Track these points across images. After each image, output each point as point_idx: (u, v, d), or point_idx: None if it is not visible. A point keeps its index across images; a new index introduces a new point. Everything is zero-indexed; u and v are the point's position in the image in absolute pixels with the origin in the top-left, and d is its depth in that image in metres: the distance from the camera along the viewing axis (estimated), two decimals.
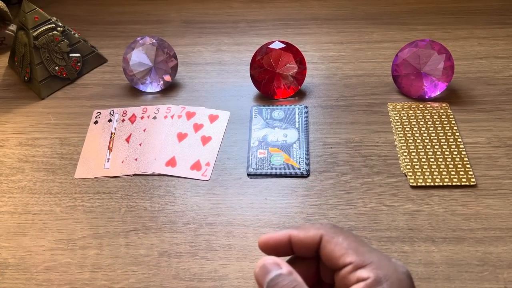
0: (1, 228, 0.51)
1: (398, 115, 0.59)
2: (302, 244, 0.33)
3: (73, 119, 0.63)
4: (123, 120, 0.62)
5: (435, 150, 0.54)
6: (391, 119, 0.59)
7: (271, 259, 0.33)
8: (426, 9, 0.77)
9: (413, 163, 0.53)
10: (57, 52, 0.66)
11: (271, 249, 0.34)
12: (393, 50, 0.67)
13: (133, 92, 0.66)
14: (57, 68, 0.67)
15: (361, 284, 0.29)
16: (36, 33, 0.65)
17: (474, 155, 0.54)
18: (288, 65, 0.60)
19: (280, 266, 0.32)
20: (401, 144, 0.55)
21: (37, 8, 0.65)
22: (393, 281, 0.29)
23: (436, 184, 0.51)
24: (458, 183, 0.51)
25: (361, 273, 0.30)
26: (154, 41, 0.63)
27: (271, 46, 0.60)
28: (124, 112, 0.63)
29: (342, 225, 0.48)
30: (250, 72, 0.62)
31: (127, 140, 0.59)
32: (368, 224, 0.48)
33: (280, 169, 0.54)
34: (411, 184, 0.51)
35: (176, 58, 0.65)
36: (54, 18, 0.67)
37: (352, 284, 0.30)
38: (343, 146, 0.56)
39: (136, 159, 0.57)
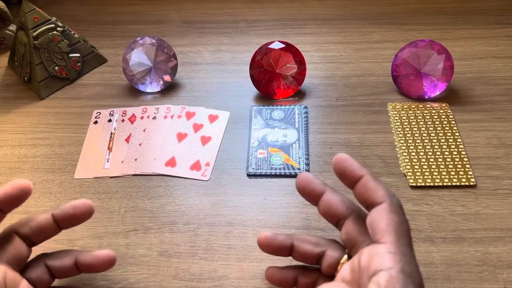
0: (1, 228, 0.51)
1: (397, 115, 0.59)
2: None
3: (73, 119, 0.63)
4: (122, 120, 0.62)
5: (435, 150, 0.54)
6: (390, 119, 0.59)
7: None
8: (426, 9, 0.77)
9: (413, 163, 0.53)
10: (57, 52, 0.67)
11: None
12: (393, 50, 0.67)
13: (133, 92, 0.66)
14: (57, 68, 0.67)
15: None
16: (36, 33, 0.65)
17: (474, 155, 0.54)
18: (288, 65, 0.60)
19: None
20: (400, 144, 0.55)
21: (37, 8, 0.65)
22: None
23: (436, 184, 0.51)
24: (458, 183, 0.51)
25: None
26: (154, 41, 0.63)
27: (271, 46, 0.60)
28: (124, 112, 0.63)
29: None
30: (250, 72, 0.62)
31: (127, 140, 0.59)
32: None
33: (280, 169, 0.54)
34: (410, 184, 0.51)
35: (176, 58, 0.65)
36: (54, 18, 0.67)
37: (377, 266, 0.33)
38: (343, 146, 0.56)
39: (136, 159, 0.57)
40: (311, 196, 0.40)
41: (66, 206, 0.41)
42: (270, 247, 0.40)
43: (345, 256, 0.39)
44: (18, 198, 0.39)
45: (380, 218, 0.35)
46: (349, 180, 0.38)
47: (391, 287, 0.31)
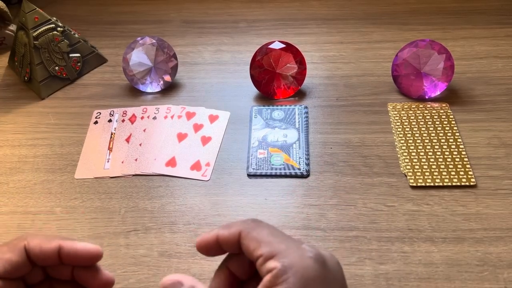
0: (1, 228, 0.51)
1: (398, 115, 0.59)
2: (228, 242, 0.33)
3: (73, 119, 0.63)
4: (123, 120, 0.62)
5: (435, 150, 0.54)
6: (391, 119, 0.59)
7: (172, 279, 0.33)
8: (426, 9, 0.77)
9: (413, 163, 0.53)
10: (57, 52, 0.66)
11: (205, 250, 0.34)
12: (393, 50, 0.67)
13: (133, 92, 0.66)
14: (57, 68, 0.67)
15: (268, 275, 0.30)
16: (36, 33, 0.65)
17: (474, 155, 0.54)
18: (288, 65, 0.60)
19: (182, 283, 0.33)
20: (401, 144, 0.55)
21: (37, 8, 0.65)
22: (298, 269, 0.29)
23: (436, 184, 0.51)
24: (458, 183, 0.51)
25: (270, 264, 0.30)
26: (154, 41, 0.63)
27: (271, 46, 0.60)
28: (124, 112, 0.63)
29: (342, 226, 0.48)
30: (250, 72, 0.62)
31: (127, 140, 0.59)
32: (368, 224, 0.48)
33: (280, 169, 0.54)
34: (411, 184, 0.51)
35: (176, 58, 0.65)
36: (54, 18, 0.67)
37: (264, 276, 0.30)
38: (343, 146, 0.56)
39: (136, 160, 0.57)
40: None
41: (78, 246, 0.36)
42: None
43: None
44: (85, 260, 0.35)
45: (248, 243, 0.32)
46: (213, 248, 0.34)
47: None
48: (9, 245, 0.35)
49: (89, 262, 0.36)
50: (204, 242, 0.34)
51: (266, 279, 0.30)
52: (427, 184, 0.51)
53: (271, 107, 0.61)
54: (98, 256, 0.36)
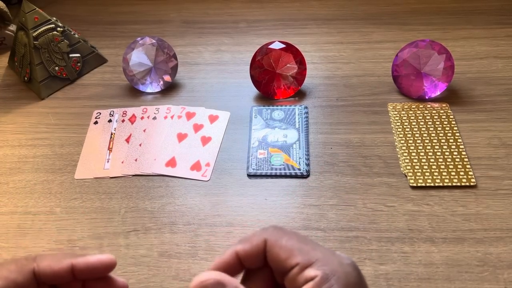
0: (1, 228, 0.51)
1: (398, 115, 0.59)
2: (250, 257, 0.31)
3: (73, 120, 0.63)
4: (123, 121, 0.62)
5: (435, 150, 0.54)
6: (391, 120, 0.59)
7: (213, 279, 0.30)
8: (426, 9, 0.77)
9: (413, 164, 0.53)
10: (57, 52, 0.66)
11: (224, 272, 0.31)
12: (393, 50, 0.67)
13: (133, 92, 0.66)
14: (57, 68, 0.67)
15: (310, 284, 0.29)
16: (36, 33, 0.65)
17: (474, 155, 0.54)
18: (288, 65, 0.60)
19: (224, 285, 0.30)
20: (401, 145, 0.55)
21: (37, 8, 0.65)
22: (340, 275, 0.29)
23: (436, 184, 0.51)
24: (458, 184, 0.51)
25: (309, 272, 0.29)
26: (154, 41, 0.63)
27: (271, 46, 0.60)
28: (124, 112, 0.63)
29: (342, 226, 0.48)
30: (250, 72, 0.62)
31: (127, 140, 0.59)
32: (368, 224, 0.48)
33: (280, 169, 0.54)
34: (411, 184, 0.51)
35: (176, 58, 0.65)
36: (54, 18, 0.67)
37: (301, 285, 0.29)
38: (343, 147, 0.56)
39: (136, 160, 0.57)
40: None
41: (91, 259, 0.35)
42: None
43: None
44: (99, 272, 0.35)
45: (275, 253, 0.31)
46: (233, 268, 0.32)
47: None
48: (17, 264, 0.35)
49: (104, 273, 0.36)
50: (222, 264, 0.32)
51: (308, 287, 0.29)
52: (427, 184, 0.51)
53: (271, 107, 0.61)
54: (112, 265, 0.36)
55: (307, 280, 0.29)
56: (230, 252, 0.31)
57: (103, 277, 0.36)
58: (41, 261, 0.35)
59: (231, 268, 0.31)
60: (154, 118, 0.61)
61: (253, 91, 0.64)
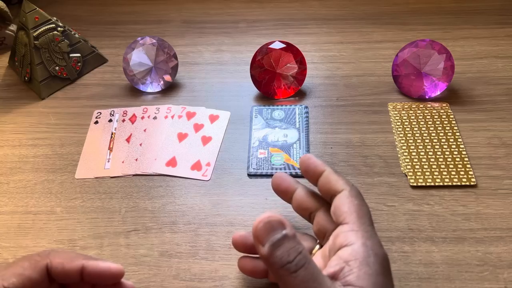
0: (2, 228, 0.51)
1: (398, 115, 0.59)
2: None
3: (74, 119, 0.63)
4: (123, 120, 0.62)
5: (436, 150, 0.54)
6: (391, 119, 0.59)
7: (276, 217, 0.35)
8: (426, 9, 0.77)
9: (414, 163, 0.53)
10: (58, 52, 0.67)
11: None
12: (393, 50, 0.68)
13: (133, 92, 0.66)
14: (57, 68, 0.67)
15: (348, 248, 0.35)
16: (37, 33, 0.65)
17: (475, 155, 0.54)
18: (288, 65, 0.60)
19: (285, 226, 0.35)
20: (401, 144, 0.55)
21: (37, 8, 0.65)
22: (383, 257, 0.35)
23: (437, 184, 0.51)
24: (459, 183, 0.51)
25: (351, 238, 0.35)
26: (154, 41, 0.63)
27: (271, 46, 0.60)
28: (125, 112, 0.63)
29: None
30: (250, 72, 0.62)
31: (128, 140, 0.59)
32: None
33: (280, 169, 0.54)
34: (411, 184, 0.51)
35: (176, 58, 0.65)
36: (55, 18, 0.67)
37: (342, 242, 0.35)
38: (343, 146, 0.56)
39: (136, 159, 0.57)
40: (284, 193, 0.43)
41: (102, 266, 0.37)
42: (245, 246, 0.41)
43: (317, 246, 0.41)
44: (107, 279, 0.37)
45: (342, 203, 0.38)
46: (313, 175, 0.41)
47: (353, 258, 0.33)
48: (31, 261, 0.35)
49: (111, 281, 0.37)
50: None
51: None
52: (428, 184, 0.51)
53: (271, 107, 0.61)
54: (119, 276, 0.37)
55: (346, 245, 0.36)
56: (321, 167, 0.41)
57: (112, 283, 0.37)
58: (54, 257, 0.36)
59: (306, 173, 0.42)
60: (155, 117, 0.61)
61: (254, 90, 0.64)
